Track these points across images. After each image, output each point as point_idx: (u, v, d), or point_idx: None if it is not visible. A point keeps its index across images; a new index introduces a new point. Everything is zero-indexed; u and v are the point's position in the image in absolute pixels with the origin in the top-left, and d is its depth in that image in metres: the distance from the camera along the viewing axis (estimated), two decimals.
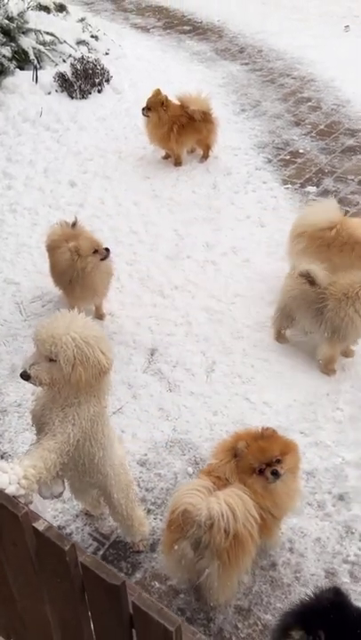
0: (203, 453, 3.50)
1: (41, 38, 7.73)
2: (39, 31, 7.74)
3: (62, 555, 1.70)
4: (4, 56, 7.16)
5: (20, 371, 2.33)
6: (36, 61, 7.44)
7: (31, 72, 7.36)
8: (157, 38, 10.11)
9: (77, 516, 3.23)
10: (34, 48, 7.50)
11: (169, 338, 4.35)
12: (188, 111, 6.13)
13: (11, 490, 2.00)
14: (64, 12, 8.87)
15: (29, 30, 7.67)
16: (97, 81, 7.61)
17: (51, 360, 2.25)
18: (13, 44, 7.37)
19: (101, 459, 2.51)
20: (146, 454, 3.53)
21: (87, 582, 1.74)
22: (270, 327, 4.31)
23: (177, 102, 6.21)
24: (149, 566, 2.99)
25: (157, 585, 2.90)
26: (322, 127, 7.18)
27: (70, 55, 7.73)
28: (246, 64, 9.06)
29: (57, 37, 7.86)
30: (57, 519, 3.19)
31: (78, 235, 4.26)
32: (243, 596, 2.85)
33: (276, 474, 2.66)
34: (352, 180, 6.15)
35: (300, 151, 6.70)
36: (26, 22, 7.66)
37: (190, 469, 3.43)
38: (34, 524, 1.77)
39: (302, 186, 6.08)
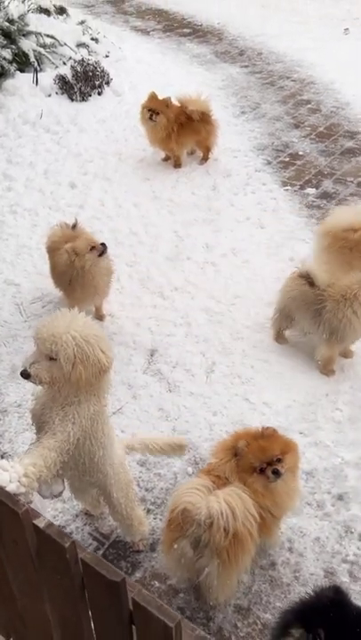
0: (202, 453, 3.51)
1: (41, 41, 7.76)
2: (39, 34, 7.77)
3: (62, 552, 1.71)
4: (4, 58, 7.18)
5: (21, 369, 2.34)
6: (36, 64, 7.47)
7: (31, 74, 7.39)
8: (157, 41, 10.15)
9: (77, 515, 3.24)
10: (34, 50, 7.52)
11: (169, 338, 4.36)
12: (187, 111, 6.14)
13: (11, 488, 2.01)
14: (64, 15, 8.91)
15: (30, 33, 7.69)
16: (97, 83, 7.64)
17: (51, 359, 2.26)
18: (14, 47, 7.39)
19: (101, 458, 2.51)
20: (146, 454, 3.53)
21: (87, 579, 1.75)
22: (270, 328, 4.33)
23: (177, 104, 6.23)
24: (149, 566, 3.00)
25: (157, 584, 2.91)
26: (321, 129, 7.21)
27: (70, 57, 7.76)
28: (246, 67, 9.09)
29: (57, 40, 7.89)
30: (57, 519, 3.20)
31: (78, 236, 4.27)
32: (242, 595, 2.86)
33: (277, 473, 2.67)
34: (351, 181, 6.17)
35: (300, 153, 6.72)
36: (26, 25, 7.69)
37: (190, 469, 3.44)
38: (34, 522, 1.78)
39: (302, 188, 6.10)
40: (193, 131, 6.24)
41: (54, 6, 8.81)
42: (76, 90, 7.42)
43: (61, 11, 8.92)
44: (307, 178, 6.27)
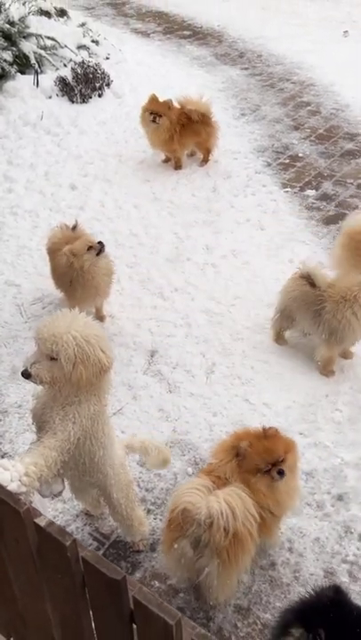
0: (202, 454, 3.52)
1: (42, 43, 7.78)
2: (40, 36, 7.79)
3: (63, 550, 1.72)
4: (5, 60, 7.20)
5: (22, 369, 2.35)
6: (36, 66, 7.49)
7: (32, 76, 7.40)
8: (157, 43, 10.17)
9: (78, 515, 3.25)
10: (35, 52, 7.54)
11: (169, 339, 4.37)
12: (185, 110, 6.16)
13: (12, 487, 2.02)
14: (65, 17, 8.93)
15: (30, 35, 7.71)
16: (97, 85, 7.65)
17: (52, 359, 2.27)
18: (14, 49, 7.41)
19: (102, 457, 2.52)
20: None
21: (88, 577, 1.75)
22: (270, 329, 4.33)
23: (177, 106, 6.25)
24: (149, 566, 3.00)
25: (157, 584, 2.92)
26: (321, 131, 7.22)
27: (71, 59, 7.78)
28: (246, 69, 9.11)
29: (58, 42, 7.91)
30: (57, 519, 3.21)
31: (78, 237, 4.29)
32: (242, 596, 2.87)
33: (282, 473, 2.70)
34: (351, 183, 6.18)
35: (300, 155, 6.74)
36: (27, 27, 7.71)
37: (190, 470, 3.44)
38: (35, 520, 1.79)
39: (302, 189, 6.12)
40: (193, 132, 6.25)
41: (55, 8, 8.83)
42: (76, 92, 7.43)
43: (62, 13, 8.94)
44: (307, 180, 6.28)
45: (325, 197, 5.97)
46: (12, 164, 6.50)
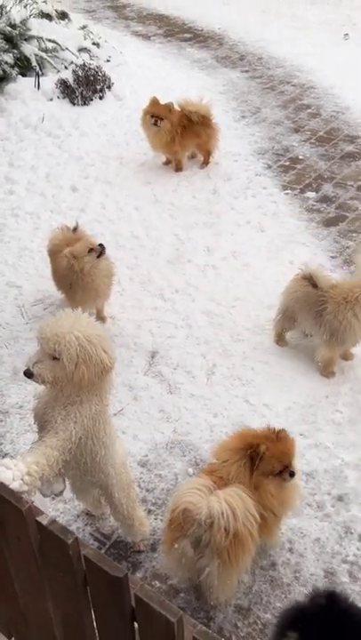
0: (203, 454, 3.52)
1: (43, 45, 7.80)
2: (41, 38, 7.81)
3: (65, 548, 1.73)
4: (6, 62, 7.22)
5: (24, 369, 2.36)
6: (38, 68, 7.51)
7: (33, 78, 7.43)
8: (158, 46, 10.20)
9: (78, 516, 3.26)
10: (36, 55, 7.57)
11: (169, 340, 4.38)
12: (185, 112, 6.18)
13: (14, 486, 2.03)
14: (66, 20, 8.96)
15: (32, 37, 7.74)
16: (98, 87, 7.68)
17: (54, 358, 2.28)
18: (16, 51, 7.43)
19: (103, 457, 2.53)
20: (146, 455, 3.56)
21: (90, 575, 1.76)
22: (271, 329, 4.34)
23: (178, 108, 6.26)
24: (150, 566, 3.01)
25: (158, 584, 2.92)
26: (321, 134, 7.24)
27: (72, 62, 7.80)
28: (246, 71, 9.14)
29: (59, 44, 7.93)
30: (58, 519, 3.18)
31: (79, 239, 4.30)
32: (243, 596, 2.87)
33: (293, 475, 2.75)
34: (351, 185, 6.20)
35: (300, 157, 6.76)
36: (28, 29, 7.74)
37: (190, 470, 3.45)
38: (37, 518, 1.80)
39: (302, 191, 6.13)
40: (194, 134, 6.27)
41: (56, 11, 8.86)
42: (77, 94, 7.46)
43: (63, 16, 8.97)
44: (307, 182, 6.30)
45: (326, 199, 5.99)
46: (14, 165, 6.52)
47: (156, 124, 6.13)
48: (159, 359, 4.23)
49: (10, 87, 7.21)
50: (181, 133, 6.20)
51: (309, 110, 7.85)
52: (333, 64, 9.07)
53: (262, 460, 2.69)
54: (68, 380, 2.29)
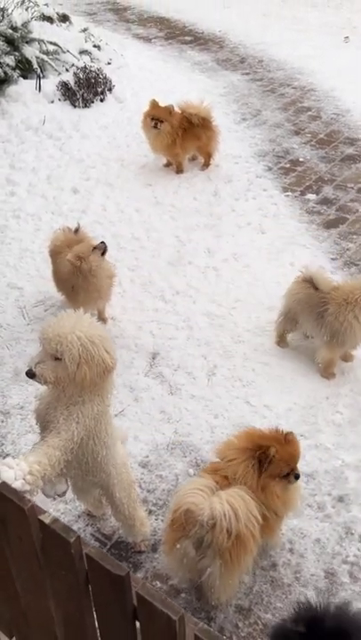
0: (204, 455, 3.53)
1: (44, 48, 7.82)
2: (42, 41, 7.83)
3: (67, 547, 1.73)
4: (7, 65, 7.24)
5: (26, 369, 2.37)
6: (39, 70, 7.53)
7: (34, 81, 7.45)
8: (159, 48, 10.23)
9: (79, 516, 3.26)
10: (37, 57, 7.58)
11: (170, 342, 4.39)
12: (185, 114, 6.19)
13: (16, 485, 2.04)
14: (67, 23, 8.98)
15: (33, 40, 7.75)
16: (99, 90, 7.69)
17: (56, 358, 2.29)
18: (17, 54, 7.45)
19: (105, 457, 2.54)
20: (147, 456, 3.56)
21: (92, 574, 1.77)
22: (273, 331, 4.35)
23: (178, 111, 6.28)
24: (151, 566, 3.02)
25: (159, 584, 2.93)
26: (322, 136, 7.26)
27: (73, 64, 7.82)
28: (247, 74, 9.16)
29: (60, 47, 7.95)
30: None
31: (80, 240, 4.30)
32: (243, 596, 2.88)
33: (298, 477, 2.77)
34: (351, 187, 6.22)
35: (301, 159, 6.78)
36: (29, 32, 7.75)
37: (191, 471, 3.46)
38: (40, 517, 1.80)
39: (302, 193, 6.15)
40: (194, 136, 6.28)
41: (57, 14, 8.88)
42: (78, 96, 7.47)
43: (64, 18, 8.99)
44: (307, 184, 6.31)
45: (326, 201, 6.00)
46: (15, 167, 6.54)
47: (156, 126, 6.14)
48: (160, 360, 4.24)
49: (11, 89, 7.23)
50: (182, 136, 6.22)
51: (310, 113, 7.87)
52: (334, 67, 9.10)
53: (271, 462, 2.70)
54: (71, 380, 2.30)
